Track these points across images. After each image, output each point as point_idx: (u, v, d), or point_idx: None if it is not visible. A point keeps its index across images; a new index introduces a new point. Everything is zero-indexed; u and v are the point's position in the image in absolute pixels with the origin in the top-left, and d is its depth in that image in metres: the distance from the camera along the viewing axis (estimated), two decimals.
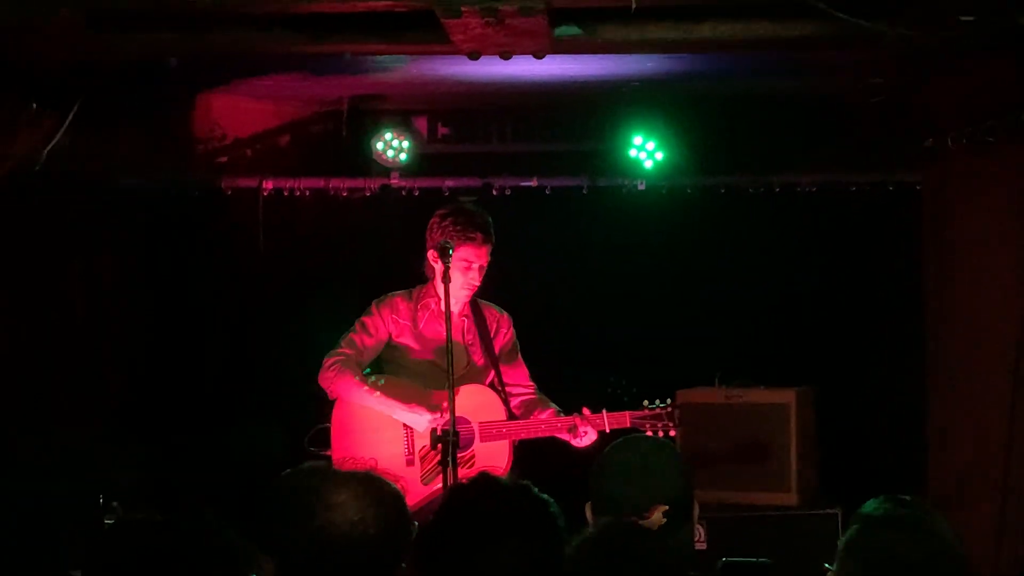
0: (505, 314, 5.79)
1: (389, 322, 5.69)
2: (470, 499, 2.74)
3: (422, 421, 5.50)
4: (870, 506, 3.06)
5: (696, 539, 6.39)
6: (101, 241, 7.02)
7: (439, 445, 5.25)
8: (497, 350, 5.75)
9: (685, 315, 7.42)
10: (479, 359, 5.74)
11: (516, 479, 2.77)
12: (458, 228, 5.52)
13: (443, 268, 5.35)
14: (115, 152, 6.80)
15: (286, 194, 7.27)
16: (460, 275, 5.54)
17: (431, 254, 5.59)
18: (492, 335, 5.73)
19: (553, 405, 5.77)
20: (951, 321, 6.85)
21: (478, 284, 5.63)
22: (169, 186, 7.12)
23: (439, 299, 5.63)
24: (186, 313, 7.32)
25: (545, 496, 2.73)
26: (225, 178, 7.23)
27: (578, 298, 7.51)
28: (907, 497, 3.09)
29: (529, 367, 5.91)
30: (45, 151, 5.88)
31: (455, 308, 5.60)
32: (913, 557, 2.93)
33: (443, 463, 5.16)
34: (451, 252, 5.34)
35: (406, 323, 5.69)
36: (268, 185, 7.26)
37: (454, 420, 5.16)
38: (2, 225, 6.44)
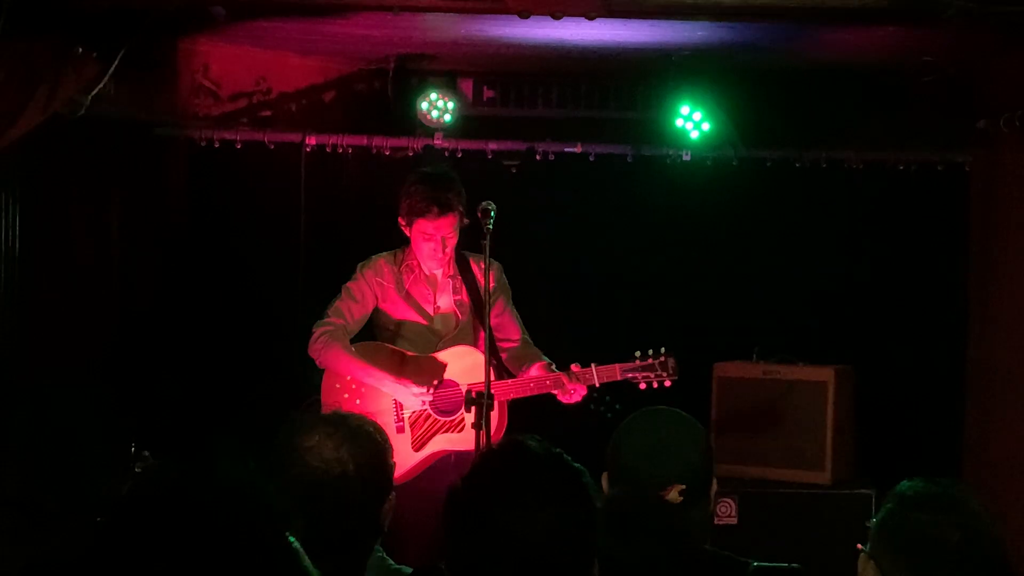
0: (494, 263, 5.45)
1: (374, 285, 5.65)
2: (500, 467, 2.68)
3: (409, 395, 5.49)
4: (904, 486, 3.00)
5: (727, 514, 6.38)
6: (140, 189, 7.01)
7: (428, 412, 5.48)
8: (485, 303, 5.53)
9: (726, 288, 7.35)
10: (468, 317, 5.68)
11: (549, 446, 2.71)
12: (416, 199, 5.47)
13: (486, 231, 5.28)
14: (158, 100, 6.78)
15: (329, 151, 7.23)
16: (423, 246, 5.51)
17: (400, 220, 5.58)
18: (481, 289, 5.55)
19: (544, 358, 5.70)
20: (995, 305, 6.78)
21: (442, 255, 5.55)
22: (212, 137, 7.09)
23: (421, 264, 5.62)
24: (224, 264, 7.30)
25: (578, 465, 2.68)
26: (268, 132, 7.19)
27: (618, 266, 7.46)
28: (942, 479, 3.04)
29: (566, 333, 5.87)
30: (89, 96, 5.84)
31: (438, 272, 5.59)
32: (947, 538, 2.87)
33: (476, 425, 5.15)
34: (493, 215, 5.25)
35: (390, 286, 5.65)
36: (311, 141, 7.22)
37: (488, 382, 5.14)
38: (43, 168, 6.43)
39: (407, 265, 5.66)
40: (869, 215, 7.44)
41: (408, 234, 5.58)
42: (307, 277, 7.20)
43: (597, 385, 5.52)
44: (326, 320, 5.61)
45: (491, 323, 5.52)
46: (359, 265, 5.71)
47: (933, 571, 2.87)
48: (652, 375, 5.54)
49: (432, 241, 5.49)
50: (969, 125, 6.79)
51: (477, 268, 5.66)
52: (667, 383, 5.53)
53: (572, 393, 5.53)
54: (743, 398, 6.78)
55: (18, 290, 6.34)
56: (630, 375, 5.54)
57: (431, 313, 5.69)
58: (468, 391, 5.35)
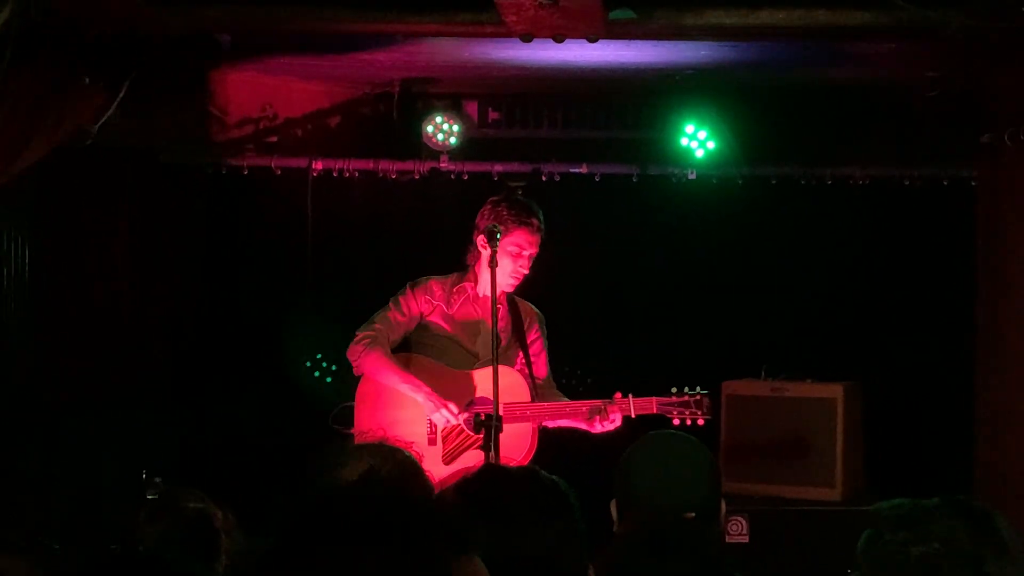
0: (539, 312, 5.80)
1: (422, 302, 5.68)
2: (475, 490, 2.69)
3: (440, 412, 5.48)
4: (880, 506, 2.96)
5: (738, 532, 6.37)
6: (149, 217, 7.04)
7: (462, 426, 5.45)
8: (527, 341, 5.75)
9: (732, 306, 7.35)
10: (510, 344, 5.72)
11: (527, 466, 2.73)
12: (513, 213, 5.54)
13: (490, 253, 5.34)
14: (165, 127, 6.81)
15: (335, 175, 7.26)
16: (509, 261, 5.53)
17: (480, 239, 5.57)
18: (525, 327, 5.73)
19: (565, 399, 5.75)
20: (1003, 319, 6.76)
21: (526, 272, 5.60)
22: (219, 163, 7.12)
23: (476, 285, 5.64)
24: (232, 290, 7.33)
25: (553, 477, 2.68)
26: (275, 157, 7.22)
27: (625, 286, 7.47)
28: (922, 497, 3.01)
29: (574, 355, 5.89)
30: (96, 125, 5.87)
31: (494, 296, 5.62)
32: (910, 555, 2.83)
33: (485, 448, 5.16)
34: (499, 237, 5.36)
35: (439, 304, 5.69)
36: (318, 165, 7.25)
37: (497, 406, 5.15)
38: (52, 198, 6.46)
39: (460, 288, 5.69)
40: (875, 231, 7.44)
41: (486, 250, 5.49)
42: (315, 300, 7.21)
43: (633, 416, 5.54)
44: (372, 327, 5.62)
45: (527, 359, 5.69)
46: (410, 283, 5.73)
47: None
48: (687, 412, 5.56)
49: (521, 257, 5.54)
50: (974, 140, 6.77)
51: (523, 307, 5.77)
52: (700, 421, 5.54)
53: (613, 421, 5.52)
54: (752, 416, 6.77)
55: (29, 320, 6.36)
56: (665, 409, 5.56)
57: (473, 333, 5.70)
58: (476, 414, 5.37)
